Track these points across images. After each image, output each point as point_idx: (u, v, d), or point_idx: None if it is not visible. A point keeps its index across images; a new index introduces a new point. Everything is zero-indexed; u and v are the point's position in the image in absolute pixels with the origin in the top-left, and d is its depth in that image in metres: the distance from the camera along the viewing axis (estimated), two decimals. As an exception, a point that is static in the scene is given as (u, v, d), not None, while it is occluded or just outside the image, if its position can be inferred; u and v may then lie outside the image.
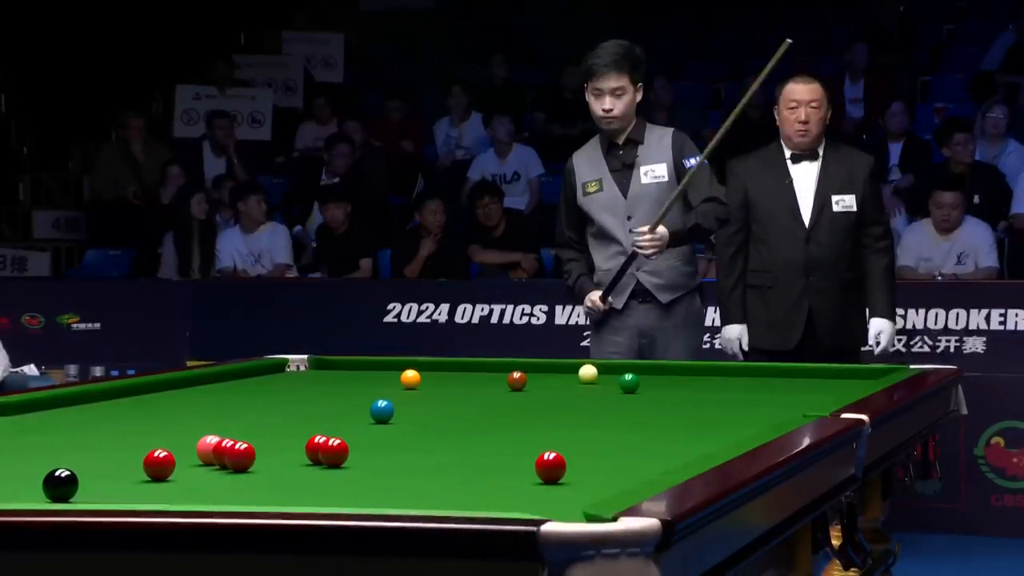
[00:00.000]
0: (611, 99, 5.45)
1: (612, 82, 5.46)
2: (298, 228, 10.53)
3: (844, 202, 6.12)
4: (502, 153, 11.12)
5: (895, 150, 10.54)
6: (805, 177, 6.16)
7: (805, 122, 6.09)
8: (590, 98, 5.55)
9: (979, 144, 10.07)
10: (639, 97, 5.56)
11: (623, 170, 5.61)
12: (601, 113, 5.49)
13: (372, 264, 10.05)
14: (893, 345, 6.48)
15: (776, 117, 6.22)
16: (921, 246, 8.83)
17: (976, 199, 9.17)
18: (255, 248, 10.00)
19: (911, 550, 5.64)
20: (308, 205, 10.91)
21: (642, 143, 5.61)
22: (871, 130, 11.08)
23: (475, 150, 11.63)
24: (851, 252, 6.13)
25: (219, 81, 12.62)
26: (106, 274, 10.67)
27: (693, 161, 5.50)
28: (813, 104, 6.09)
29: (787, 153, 6.19)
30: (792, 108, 6.11)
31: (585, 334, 7.43)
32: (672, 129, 5.70)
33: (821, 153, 6.18)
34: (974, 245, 8.77)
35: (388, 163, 11.50)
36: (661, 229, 5.42)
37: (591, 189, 5.61)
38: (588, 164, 5.67)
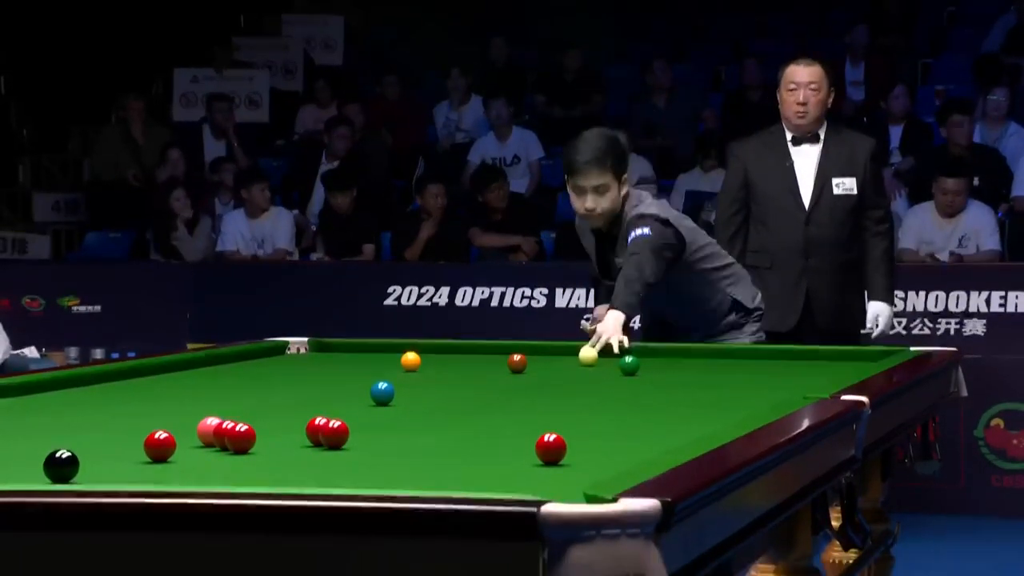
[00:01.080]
0: (593, 197, 5.07)
1: (594, 179, 5.07)
2: (295, 212, 10.52)
3: (844, 185, 6.12)
4: (502, 136, 11.11)
5: (896, 133, 10.53)
6: (806, 159, 6.15)
7: (804, 104, 6.08)
8: (571, 193, 5.17)
9: (980, 127, 10.06)
10: (624, 190, 5.15)
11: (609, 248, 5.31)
12: (583, 212, 5.13)
13: (375, 250, 10.05)
14: (892, 328, 6.48)
15: (778, 99, 6.22)
16: (923, 229, 8.83)
17: (976, 181, 9.17)
18: (259, 234, 10.00)
19: (911, 530, 5.64)
20: (308, 189, 10.91)
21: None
22: (872, 113, 11.07)
23: (475, 133, 11.62)
24: (851, 234, 6.12)
25: (219, 64, 12.61)
26: (106, 256, 10.67)
27: (636, 232, 5.03)
28: (812, 86, 6.09)
29: (788, 135, 6.19)
30: (792, 90, 6.11)
31: (586, 316, 7.43)
32: (638, 209, 5.10)
33: (822, 136, 6.18)
34: (976, 228, 8.76)
35: (389, 147, 11.50)
36: (607, 316, 4.86)
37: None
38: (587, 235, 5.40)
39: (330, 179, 10.24)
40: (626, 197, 5.16)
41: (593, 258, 5.31)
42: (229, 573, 1.95)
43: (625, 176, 5.17)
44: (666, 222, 5.07)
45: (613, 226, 5.17)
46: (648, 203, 5.17)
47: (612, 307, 4.88)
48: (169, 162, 10.97)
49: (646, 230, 5.01)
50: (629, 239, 5.04)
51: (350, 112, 11.50)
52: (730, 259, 5.37)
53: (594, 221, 5.18)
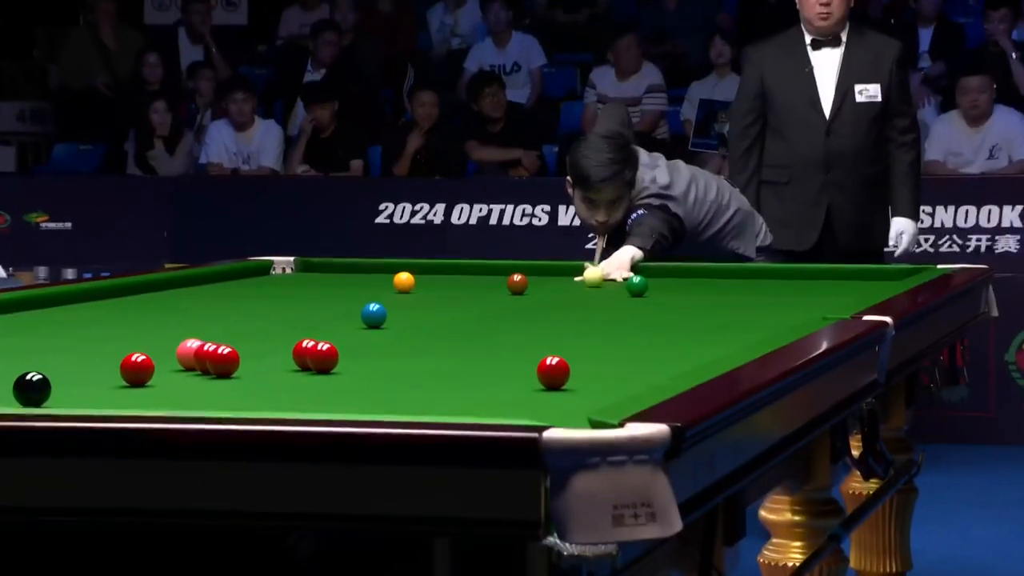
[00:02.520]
0: (606, 211, 5.13)
1: (610, 195, 5.11)
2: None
3: (868, 92, 6.11)
4: (501, 42, 11.05)
5: (925, 35, 10.47)
6: (826, 65, 6.13)
7: (827, 3, 6.05)
8: (579, 203, 5.20)
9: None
10: (633, 192, 5.16)
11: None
12: (594, 223, 5.18)
13: (363, 166, 10.03)
14: (917, 245, 6.49)
15: (796, 0, 6.18)
16: (951, 139, 8.81)
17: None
18: (245, 149, 9.97)
19: (936, 461, 5.68)
20: (292, 100, 10.85)
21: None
22: (899, 13, 11.00)
23: (471, 39, 11.55)
24: (874, 146, 6.12)
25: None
26: (76, 170, 10.65)
27: (637, 212, 5.13)
28: (836, -15, 6.06)
29: (807, 39, 6.16)
30: (813, -11, 6.08)
31: (590, 236, 7.44)
32: (642, 206, 5.14)
33: (844, 39, 6.15)
34: (1007, 136, 8.74)
35: (380, 53, 11.43)
36: (619, 251, 4.98)
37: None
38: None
39: (307, 90, 10.19)
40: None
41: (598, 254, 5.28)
42: (210, 501, 1.97)
43: (633, 179, 5.16)
44: (665, 208, 5.13)
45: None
46: (648, 187, 5.14)
47: (626, 243, 4.93)
48: (145, 68, 10.91)
49: (644, 211, 5.11)
50: (630, 220, 5.12)
51: (339, 14, 11.42)
52: (731, 210, 5.36)
53: (606, 231, 5.20)
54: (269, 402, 2.54)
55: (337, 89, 10.20)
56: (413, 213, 9.04)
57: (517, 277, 4.40)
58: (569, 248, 7.97)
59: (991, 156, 8.74)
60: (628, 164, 5.14)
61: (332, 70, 10.80)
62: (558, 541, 1.88)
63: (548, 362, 2.59)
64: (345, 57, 11.01)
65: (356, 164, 9.94)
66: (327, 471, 1.96)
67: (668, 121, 10.35)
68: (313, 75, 10.80)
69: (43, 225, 9.34)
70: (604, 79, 10.37)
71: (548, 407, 2.41)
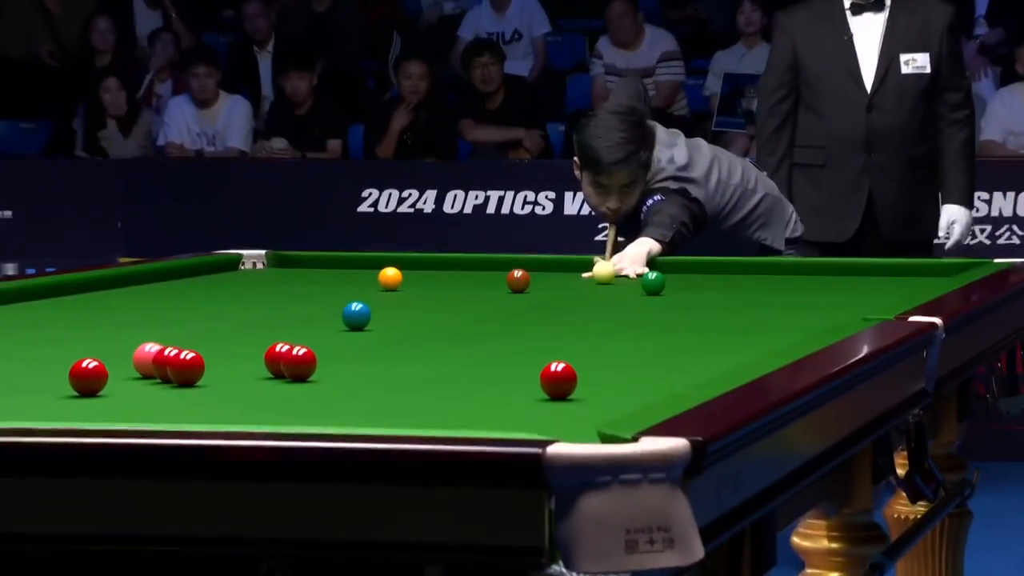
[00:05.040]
0: (619, 196, 5.13)
1: (623, 179, 5.13)
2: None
3: (915, 62, 6.12)
4: (499, 7, 11.06)
5: (983, -2, 10.49)
6: (868, 31, 6.14)
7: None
8: (587, 188, 5.22)
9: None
10: (648, 174, 5.18)
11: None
12: (605, 211, 5.20)
13: (342, 145, 10.03)
14: (971, 237, 6.50)
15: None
16: (1010, 116, 8.83)
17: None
18: (209, 127, 9.97)
19: (992, 480, 5.68)
20: (257, 73, 10.84)
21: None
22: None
23: (466, 3, 11.57)
24: (922, 123, 6.13)
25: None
26: (17, 151, 10.65)
27: (654, 199, 5.15)
28: (879, -60, 6.08)
29: (847, 3, 6.17)
30: (854, -54, 6.10)
31: (601, 226, 7.45)
32: (658, 190, 5.15)
33: (888, 2, 6.16)
34: (1076, 114, 8.77)
35: (362, 18, 11.43)
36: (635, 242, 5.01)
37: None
38: None
39: (282, 58, 10.18)
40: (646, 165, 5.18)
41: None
42: (170, 526, 1.97)
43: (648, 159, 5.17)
44: (684, 192, 5.14)
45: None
46: (665, 167, 5.15)
47: (643, 235, 4.95)
48: (95, 35, 10.90)
49: (661, 196, 5.12)
50: (645, 207, 5.12)
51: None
52: (758, 195, 5.37)
53: (613, 219, 5.22)
54: (237, 414, 2.54)
55: (314, 58, 10.20)
56: (400, 200, 9.05)
57: (518, 273, 4.41)
58: (576, 240, 7.97)
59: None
60: (643, 144, 5.15)
61: (309, 37, 10.81)
62: (564, 570, 1.89)
63: (553, 368, 2.59)
64: (322, 23, 11.01)
65: (334, 144, 9.95)
66: (302, 491, 1.97)
67: (687, 96, 10.36)
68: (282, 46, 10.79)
69: (-20, 214, 9.35)
70: (610, 48, 10.39)
71: (552, 419, 2.42)
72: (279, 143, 9.90)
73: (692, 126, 9.04)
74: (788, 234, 5.46)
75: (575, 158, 5.27)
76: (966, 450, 4.44)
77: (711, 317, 4.01)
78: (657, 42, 10.35)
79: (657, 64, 10.27)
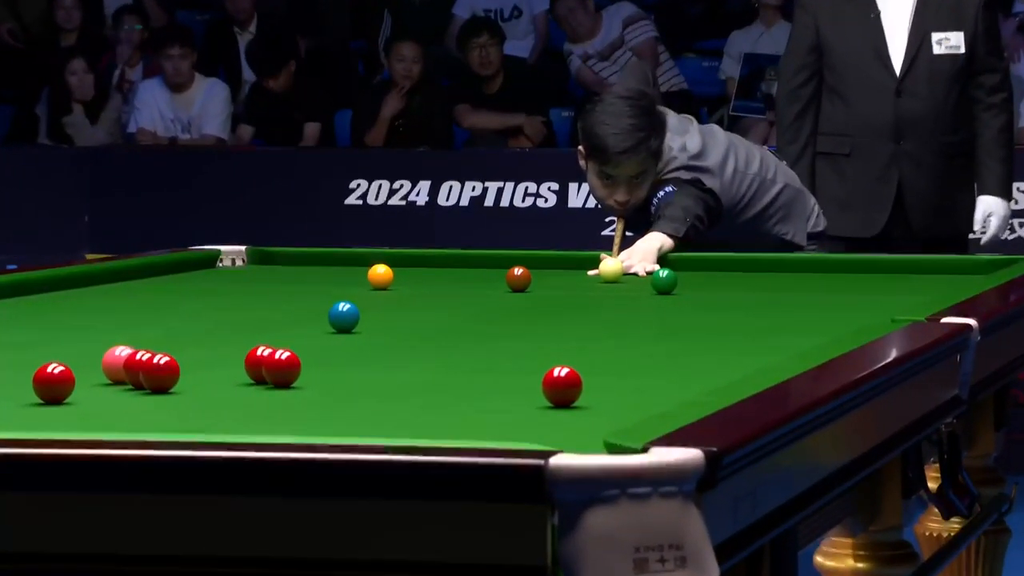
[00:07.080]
0: (628, 188, 5.14)
1: (632, 169, 5.13)
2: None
3: (948, 41, 6.12)
4: (498, -18, 11.07)
5: (1021, -28, 10.49)
6: (897, 8, 6.15)
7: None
8: (594, 179, 5.23)
9: None
10: (659, 164, 5.20)
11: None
12: (612, 204, 5.20)
13: (322, 130, 10.02)
14: (1009, 231, 6.50)
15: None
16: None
17: None
18: (184, 114, 9.97)
19: (1031, 496, 5.69)
20: (237, 54, 10.85)
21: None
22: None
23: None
24: (955, 108, 6.13)
25: None
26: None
27: (666, 189, 5.19)
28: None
29: (874, -23, 6.18)
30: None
31: (608, 220, 7.46)
32: (670, 181, 5.20)
33: (919, -23, 6.17)
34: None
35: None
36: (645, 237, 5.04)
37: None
38: None
39: (255, 58, 10.15)
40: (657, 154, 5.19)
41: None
42: (141, 543, 1.98)
43: (659, 151, 5.18)
44: (698, 183, 5.15)
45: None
46: (677, 156, 5.16)
47: (654, 230, 4.96)
48: (60, 12, 10.90)
49: (673, 187, 5.15)
50: (655, 199, 5.14)
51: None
52: (778, 186, 5.38)
53: (622, 212, 5.23)
54: (215, 422, 2.55)
55: (292, 43, 10.19)
56: (391, 192, 9.06)
57: (518, 271, 4.41)
58: (581, 235, 7.98)
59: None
60: (653, 131, 5.16)
61: (289, 17, 10.81)
62: (568, 591, 1.90)
63: (556, 373, 2.60)
64: (306, 1, 11.01)
65: (312, 128, 9.92)
66: (286, 506, 1.97)
67: (701, 79, 10.35)
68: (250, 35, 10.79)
69: (-64, 207, 9.36)
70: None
71: (556, 428, 2.43)
72: (245, 131, 9.93)
73: (686, 103, 8.97)
74: (810, 228, 5.48)
75: (580, 147, 5.27)
76: (1003, 462, 4.44)
77: (726, 318, 4.01)
78: (615, 16, 10.32)
79: (624, 32, 10.22)
